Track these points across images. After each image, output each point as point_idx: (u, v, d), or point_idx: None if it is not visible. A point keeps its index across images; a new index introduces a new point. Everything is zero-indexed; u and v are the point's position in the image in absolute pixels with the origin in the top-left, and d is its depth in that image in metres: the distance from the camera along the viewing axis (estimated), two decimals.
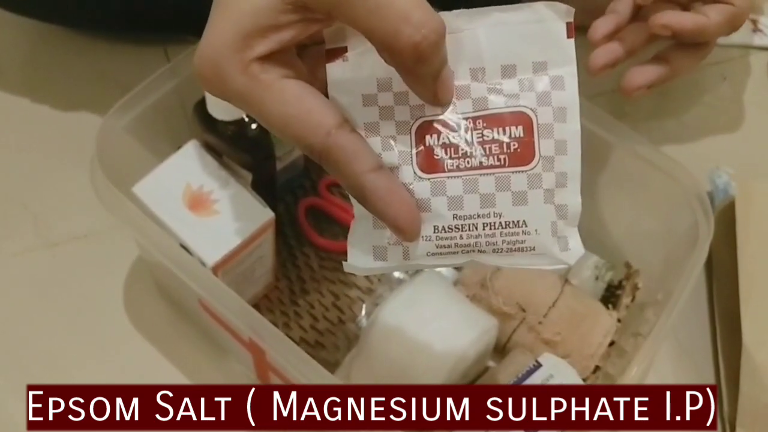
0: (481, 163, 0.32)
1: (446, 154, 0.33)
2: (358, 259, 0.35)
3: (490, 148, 0.32)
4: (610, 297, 0.63)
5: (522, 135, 0.32)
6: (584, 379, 0.55)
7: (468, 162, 0.32)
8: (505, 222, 0.33)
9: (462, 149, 0.32)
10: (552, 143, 0.33)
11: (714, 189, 0.69)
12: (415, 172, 0.33)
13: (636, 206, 0.61)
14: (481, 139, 0.32)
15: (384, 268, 0.35)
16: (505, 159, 0.32)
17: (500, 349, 0.59)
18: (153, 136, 0.57)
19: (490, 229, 0.33)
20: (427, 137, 0.33)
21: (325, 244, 0.65)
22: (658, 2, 0.54)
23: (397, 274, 0.64)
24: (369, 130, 0.33)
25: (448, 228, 0.33)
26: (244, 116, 0.52)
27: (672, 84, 0.78)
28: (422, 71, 0.30)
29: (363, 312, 0.63)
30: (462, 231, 0.33)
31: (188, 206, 0.52)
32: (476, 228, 0.33)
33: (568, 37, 0.33)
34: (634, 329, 0.56)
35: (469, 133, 0.33)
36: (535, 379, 0.52)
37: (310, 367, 0.46)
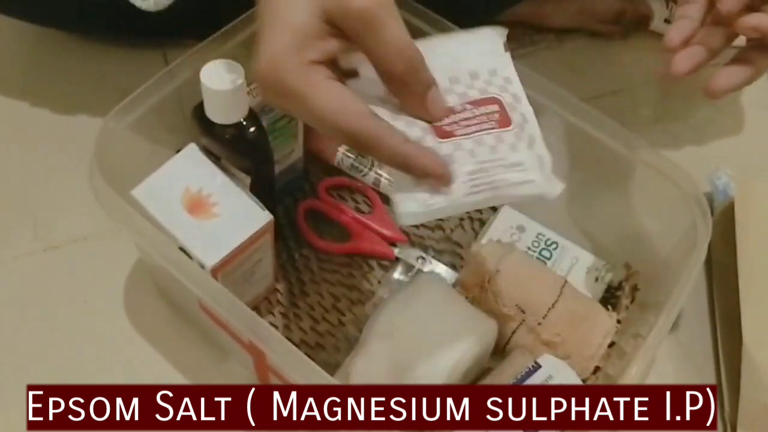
0: (481, 128, 0.43)
1: (455, 125, 0.43)
2: (408, 207, 0.42)
3: (483, 118, 0.44)
4: (609, 298, 0.63)
5: (498, 109, 0.44)
6: (584, 380, 0.55)
7: (471, 128, 0.43)
8: (510, 163, 0.43)
9: (464, 121, 0.43)
10: (518, 115, 0.45)
11: (714, 190, 0.69)
12: (436, 139, 0.42)
13: (635, 208, 0.61)
14: (475, 113, 0.44)
15: (431, 212, 0.42)
16: (494, 124, 0.44)
17: (500, 351, 0.59)
18: (152, 139, 0.57)
19: (503, 168, 0.43)
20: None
21: (325, 246, 0.65)
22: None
23: (396, 275, 0.64)
24: (390, 118, 0.42)
25: (476, 171, 0.42)
26: (242, 120, 0.52)
27: (673, 86, 0.79)
28: (411, 91, 0.41)
29: (363, 313, 0.63)
30: (485, 172, 0.43)
31: (187, 209, 0.52)
32: (495, 169, 0.43)
33: (506, 50, 0.47)
34: (634, 330, 0.55)
35: (465, 111, 0.44)
36: (535, 380, 0.52)
37: (310, 369, 0.46)
